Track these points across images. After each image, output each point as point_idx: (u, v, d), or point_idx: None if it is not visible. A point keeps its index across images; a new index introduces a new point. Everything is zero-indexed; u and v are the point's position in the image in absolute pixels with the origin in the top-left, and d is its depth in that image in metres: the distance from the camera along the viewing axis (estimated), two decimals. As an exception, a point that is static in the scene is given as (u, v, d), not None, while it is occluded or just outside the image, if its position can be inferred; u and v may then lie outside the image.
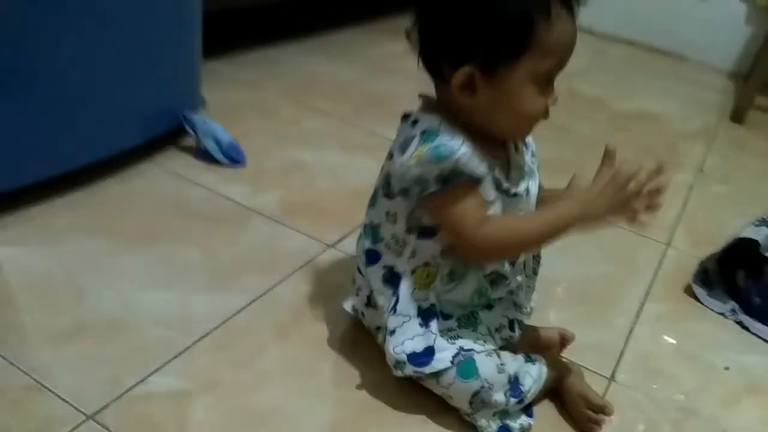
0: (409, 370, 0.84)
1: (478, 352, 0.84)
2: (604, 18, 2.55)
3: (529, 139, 0.89)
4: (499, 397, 0.84)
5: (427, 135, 0.78)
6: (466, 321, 0.87)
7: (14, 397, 0.80)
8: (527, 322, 0.98)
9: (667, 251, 1.34)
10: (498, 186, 0.81)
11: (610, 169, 0.80)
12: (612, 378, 1.00)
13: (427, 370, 0.84)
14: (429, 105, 0.83)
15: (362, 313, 0.94)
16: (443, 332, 0.85)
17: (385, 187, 0.85)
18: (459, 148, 0.76)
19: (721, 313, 1.17)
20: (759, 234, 1.15)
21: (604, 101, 2.06)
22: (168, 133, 1.36)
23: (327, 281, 1.08)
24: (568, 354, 0.99)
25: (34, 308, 0.94)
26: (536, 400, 0.90)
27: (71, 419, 0.79)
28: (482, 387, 0.83)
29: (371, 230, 0.89)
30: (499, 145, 0.85)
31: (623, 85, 2.25)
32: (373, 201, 0.89)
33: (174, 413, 0.82)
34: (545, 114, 0.79)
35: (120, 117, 1.22)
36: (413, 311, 0.85)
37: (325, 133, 1.56)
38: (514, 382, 0.85)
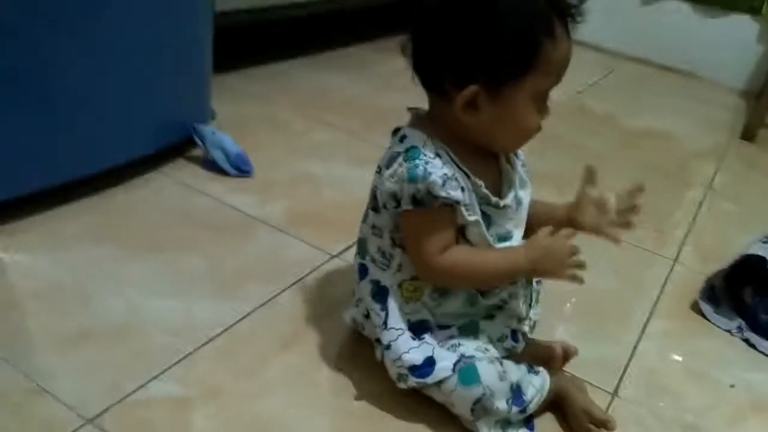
0: (412, 381, 0.85)
1: (479, 359, 0.84)
2: (615, 35, 2.56)
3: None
4: (501, 404, 0.83)
5: (411, 153, 0.79)
6: (467, 330, 0.87)
7: (16, 401, 0.81)
8: (530, 335, 0.98)
9: (675, 267, 1.33)
10: (487, 202, 0.82)
11: (593, 189, 0.87)
12: (615, 393, 0.99)
13: (430, 380, 0.84)
14: (418, 119, 0.85)
15: (362, 325, 0.94)
16: (443, 341, 0.85)
17: (372, 201, 0.87)
18: (436, 171, 0.77)
19: (728, 330, 1.16)
20: (766, 251, 1.14)
21: (614, 118, 2.06)
22: (177, 144, 1.37)
23: (330, 291, 1.08)
24: (572, 369, 0.98)
25: (39, 313, 0.94)
26: (538, 412, 0.90)
27: (71, 423, 0.79)
28: (484, 394, 0.82)
29: (360, 244, 0.91)
30: (491, 157, 0.86)
31: (634, 102, 2.25)
32: (364, 216, 0.91)
33: (173, 419, 0.82)
34: (539, 128, 0.81)
35: (129, 127, 1.24)
36: (404, 325, 0.85)
37: (333, 146, 1.57)
38: (516, 391, 0.85)
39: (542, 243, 0.82)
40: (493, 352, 0.87)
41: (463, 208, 0.80)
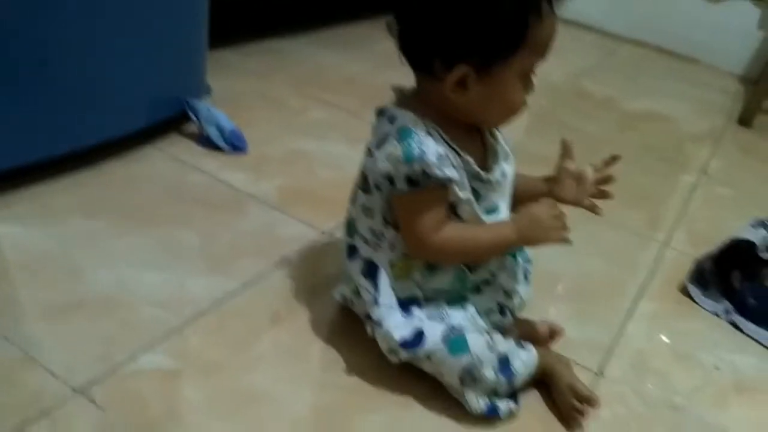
0: (404, 355, 0.86)
1: (468, 330, 0.85)
2: (616, 18, 2.54)
3: None
4: (488, 373, 0.85)
5: (403, 133, 0.80)
6: (456, 302, 0.89)
7: (5, 370, 0.82)
8: (519, 314, 0.99)
9: (666, 251, 1.34)
10: (476, 178, 0.83)
11: (571, 163, 0.89)
12: (600, 373, 1.00)
13: (421, 352, 0.85)
14: (404, 98, 0.86)
15: (352, 301, 0.95)
16: (431, 314, 0.87)
17: (363, 182, 0.88)
18: (430, 151, 0.78)
19: (715, 313, 1.17)
20: (756, 235, 1.14)
21: (612, 101, 2.05)
22: (171, 119, 1.37)
23: (321, 268, 1.09)
24: (558, 348, 0.99)
25: (30, 284, 0.95)
26: (523, 388, 0.91)
27: (60, 393, 0.80)
28: (472, 363, 0.84)
29: (349, 225, 0.92)
30: (476, 132, 0.87)
31: (632, 85, 2.24)
32: (353, 196, 0.91)
33: (162, 391, 0.83)
34: (525, 104, 0.82)
35: (124, 100, 1.24)
36: (394, 302, 0.87)
37: (329, 125, 1.57)
38: (504, 361, 0.87)
39: (528, 213, 0.85)
40: (482, 323, 0.88)
41: (455, 186, 0.81)
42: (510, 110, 0.83)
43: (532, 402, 0.92)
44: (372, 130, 0.88)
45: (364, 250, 0.90)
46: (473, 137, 0.87)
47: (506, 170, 0.89)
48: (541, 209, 0.85)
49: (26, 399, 0.79)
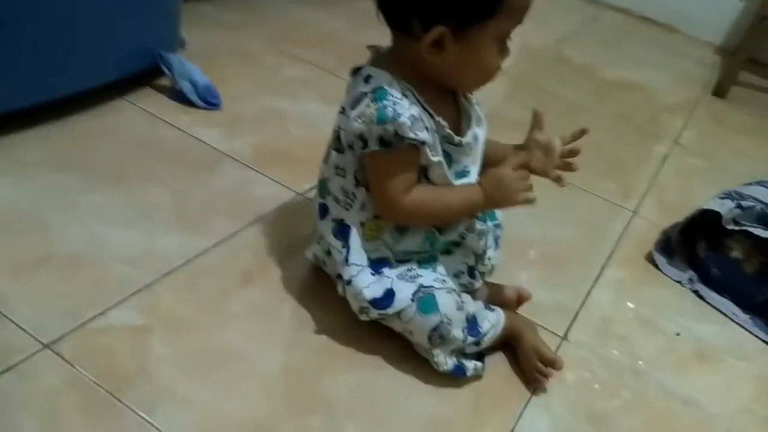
0: (374, 314, 0.87)
1: (438, 289, 0.87)
2: (599, -17, 2.52)
3: None
4: (457, 333, 0.86)
5: (378, 93, 0.79)
6: (426, 262, 0.90)
7: (-28, 324, 0.81)
8: (488, 278, 1.00)
9: (634, 220, 1.36)
10: (449, 141, 0.84)
11: (540, 133, 0.88)
12: (565, 337, 1.02)
13: (390, 311, 0.86)
14: (379, 58, 0.85)
15: (323, 261, 0.95)
16: (402, 274, 0.88)
17: (336, 142, 0.87)
18: (404, 112, 0.78)
19: (679, 282, 1.20)
20: (723, 207, 1.16)
21: (592, 68, 2.05)
22: (144, 72, 1.34)
23: (294, 229, 1.09)
24: (525, 312, 1.01)
25: (-2, 238, 0.94)
26: (489, 350, 0.93)
27: (28, 347, 0.80)
28: (441, 322, 0.85)
29: (321, 184, 0.92)
30: (449, 95, 0.87)
31: (612, 53, 2.23)
32: (326, 156, 0.91)
33: (131, 347, 0.84)
34: (500, 68, 0.82)
35: (94, 51, 1.21)
36: (365, 261, 0.87)
37: (305, 83, 1.54)
38: (472, 322, 0.89)
39: (494, 175, 0.86)
40: (451, 284, 0.90)
41: (427, 149, 0.81)
42: (484, 74, 0.83)
43: (498, 363, 0.94)
44: (346, 88, 0.87)
45: (336, 210, 0.90)
46: (447, 100, 0.87)
47: (478, 134, 0.89)
48: (506, 171, 0.85)
49: (-7, 353, 0.79)
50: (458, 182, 0.87)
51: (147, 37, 1.31)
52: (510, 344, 0.95)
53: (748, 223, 1.15)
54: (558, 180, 0.87)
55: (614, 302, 1.13)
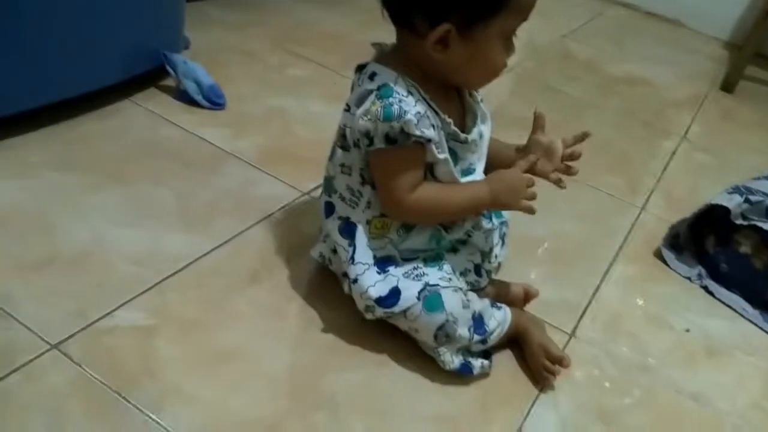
0: (380, 312, 0.87)
1: (443, 288, 0.86)
2: (604, -21, 2.51)
3: None
4: (463, 331, 0.86)
5: (383, 90, 0.79)
6: (432, 261, 0.90)
7: (-21, 324, 0.81)
8: (495, 275, 1.00)
9: (642, 215, 1.35)
10: (454, 138, 0.84)
11: (542, 135, 0.89)
12: (573, 334, 1.02)
13: (397, 309, 0.86)
14: (384, 55, 0.85)
15: (329, 260, 0.95)
16: (408, 272, 0.87)
17: (341, 140, 0.87)
18: (410, 110, 0.78)
19: (688, 277, 1.19)
20: (731, 201, 1.16)
21: (597, 63, 2.04)
22: (148, 73, 1.34)
23: (299, 228, 1.09)
24: (533, 309, 1.01)
25: (3, 239, 0.94)
26: (497, 347, 0.93)
27: (35, 347, 0.80)
28: (447, 320, 0.85)
29: (327, 183, 0.92)
30: (455, 92, 0.87)
31: (618, 48, 2.22)
32: (331, 154, 0.91)
33: (138, 347, 0.83)
34: (506, 66, 0.82)
35: (99, 53, 1.21)
36: (371, 259, 0.87)
37: (310, 82, 1.54)
38: (478, 320, 0.88)
39: (504, 177, 0.86)
40: (457, 282, 0.89)
41: (433, 147, 0.81)
42: (490, 72, 0.82)
43: (505, 361, 0.94)
44: (352, 86, 0.86)
45: (342, 209, 0.89)
46: (452, 97, 0.86)
47: (483, 131, 0.89)
48: (517, 174, 0.85)
49: (1, 353, 0.78)
50: (464, 179, 0.87)
51: (151, 37, 1.31)
52: (517, 342, 0.94)
53: (757, 218, 1.14)
54: (558, 182, 0.87)
55: (623, 299, 1.12)
